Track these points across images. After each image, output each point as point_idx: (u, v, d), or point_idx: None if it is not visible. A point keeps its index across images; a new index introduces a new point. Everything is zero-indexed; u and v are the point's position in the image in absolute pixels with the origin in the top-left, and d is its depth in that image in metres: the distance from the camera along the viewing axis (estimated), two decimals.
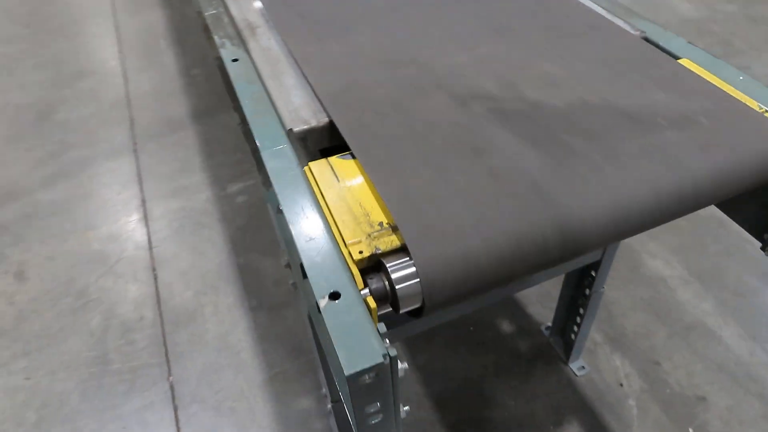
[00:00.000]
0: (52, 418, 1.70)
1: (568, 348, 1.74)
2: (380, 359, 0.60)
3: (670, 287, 1.98)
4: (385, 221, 0.74)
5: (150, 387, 1.77)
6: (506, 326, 1.89)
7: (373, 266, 0.72)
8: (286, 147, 0.87)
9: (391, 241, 0.71)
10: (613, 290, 1.97)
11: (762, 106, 0.88)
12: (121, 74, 3.11)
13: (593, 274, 1.49)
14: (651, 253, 2.09)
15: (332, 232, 0.73)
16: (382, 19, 1.17)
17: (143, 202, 2.38)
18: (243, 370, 1.80)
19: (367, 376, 0.60)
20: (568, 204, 0.75)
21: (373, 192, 0.78)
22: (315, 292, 0.66)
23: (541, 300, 1.94)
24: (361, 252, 0.70)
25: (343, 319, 0.63)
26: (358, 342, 0.61)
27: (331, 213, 0.75)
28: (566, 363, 1.77)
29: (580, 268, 1.53)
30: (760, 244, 0.94)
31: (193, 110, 2.85)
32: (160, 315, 1.97)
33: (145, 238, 2.23)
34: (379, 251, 0.70)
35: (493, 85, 0.97)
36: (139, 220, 2.31)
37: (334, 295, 0.66)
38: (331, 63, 1.03)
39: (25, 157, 2.62)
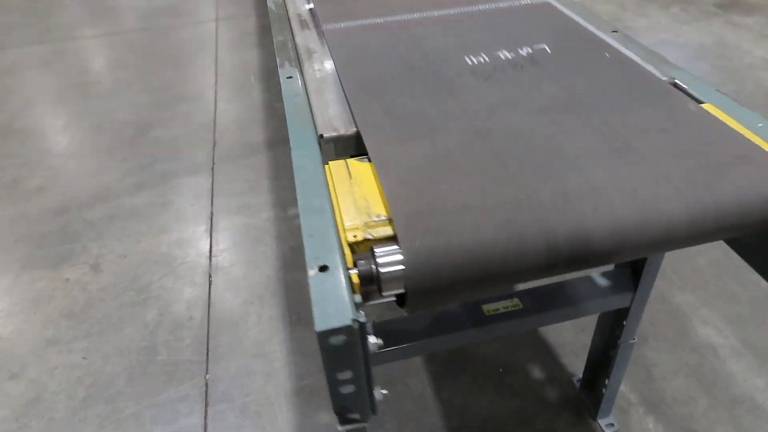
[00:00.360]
0: (97, 396, 1.85)
1: (598, 402, 1.68)
2: (349, 322, 0.66)
3: (719, 357, 1.87)
4: (383, 213, 0.81)
5: (187, 381, 1.89)
6: (537, 373, 1.86)
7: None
8: (314, 150, 0.98)
9: (385, 231, 0.79)
10: (656, 352, 1.89)
11: None
12: (213, 102, 3.43)
13: (625, 323, 1.46)
14: (702, 320, 1.99)
15: (335, 219, 0.82)
16: (477, 121, 0.99)
17: (211, 215, 2.58)
18: (273, 378, 1.88)
19: (336, 338, 0.67)
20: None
21: (379, 189, 0.86)
22: (307, 264, 0.74)
23: (576, 351, 1.90)
24: (354, 236, 0.78)
25: (325, 288, 0.71)
26: (334, 307, 0.68)
27: (337, 202, 0.84)
28: (594, 418, 1.70)
29: (611, 315, 1.51)
30: None
31: (270, 138, 3.09)
32: (208, 317, 2.11)
33: (207, 247, 2.41)
34: (372, 237, 0.78)
35: (608, 235, 0.77)
36: (205, 230, 2.50)
37: (323, 268, 0.73)
38: (412, 172, 0.87)
39: (119, 166, 2.93)
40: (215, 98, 3.48)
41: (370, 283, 0.76)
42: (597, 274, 1.43)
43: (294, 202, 2.61)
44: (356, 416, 0.79)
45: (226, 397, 1.83)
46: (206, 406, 1.81)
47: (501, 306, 1.37)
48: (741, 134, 0.93)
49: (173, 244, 2.44)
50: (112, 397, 1.85)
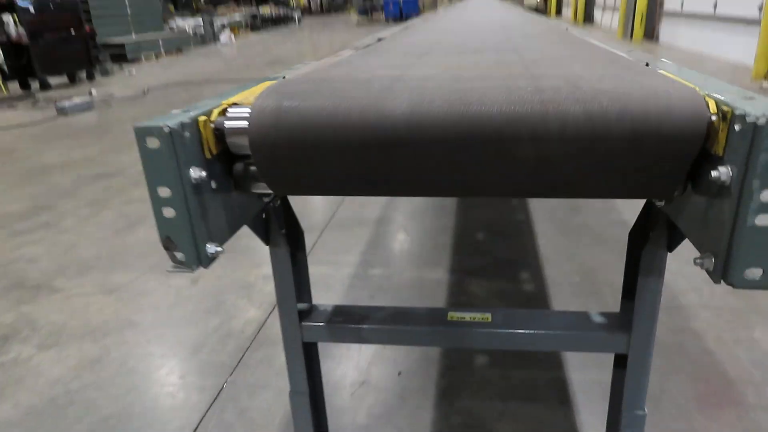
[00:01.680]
0: (151, 354, 2.04)
1: None
2: (160, 125, 0.75)
3: None
4: None
5: (212, 379, 1.98)
6: None
7: None
8: (272, 81, 1.12)
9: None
10: None
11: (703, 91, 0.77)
12: None
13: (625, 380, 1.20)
14: None
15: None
16: None
17: None
18: (282, 396, 1.87)
19: (151, 140, 0.75)
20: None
21: None
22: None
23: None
24: (227, 101, 0.88)
25: (173, 116, 0.81)
26: (162, 119, 0.78)
27: (244, 97, 0.96)
28: None
29: (619, 378, 1.25)
30: None
31: None
32: (256, 335, 2.22)
33: None
34: (240, 104, 0.87)
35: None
36: None
37: (185, 111, 0.84)
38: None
39: None
40: None
41: (220, 140, 0.85)
42: (594, 312, 1.24)
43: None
44: (182, 258, 0.83)
45: (228, 406, 1.87)
46: (205, 413, 1.87)
47: (468, 315, 1.26)
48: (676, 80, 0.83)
49: (260, 277, 2.67)
50: (153, 356, 2.02)
